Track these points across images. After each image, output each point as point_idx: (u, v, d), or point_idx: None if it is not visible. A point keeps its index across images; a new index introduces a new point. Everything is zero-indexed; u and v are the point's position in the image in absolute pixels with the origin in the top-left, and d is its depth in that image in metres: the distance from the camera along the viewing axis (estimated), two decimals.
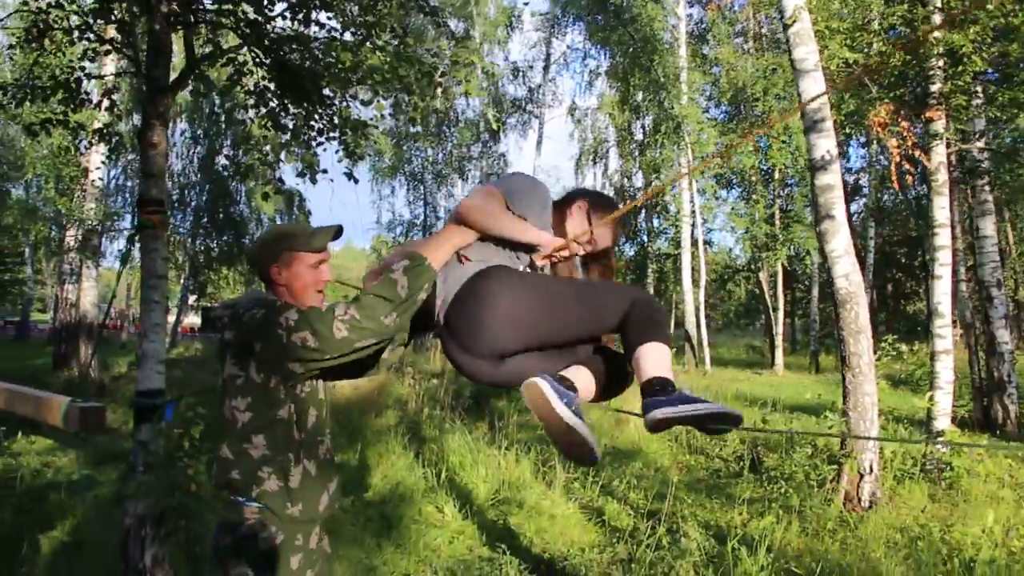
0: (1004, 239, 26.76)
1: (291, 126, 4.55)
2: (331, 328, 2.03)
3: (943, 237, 7.48)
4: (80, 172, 13.76)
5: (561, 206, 2.42)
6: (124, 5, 4.32)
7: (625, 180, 30.86)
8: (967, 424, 10.48)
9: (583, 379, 2.17)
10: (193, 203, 24.07)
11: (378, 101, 4.59)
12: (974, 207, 10.50)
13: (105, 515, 5.36)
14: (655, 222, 29.32)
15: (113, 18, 4.18)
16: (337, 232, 2.36)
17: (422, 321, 2.25)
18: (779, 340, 24.14)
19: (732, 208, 25.89)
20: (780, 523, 5.70)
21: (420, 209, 28.30)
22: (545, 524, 5.87)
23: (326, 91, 4.48)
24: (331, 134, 4.64)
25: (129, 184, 23.41)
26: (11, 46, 4.67)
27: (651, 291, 29.66)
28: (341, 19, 4.62)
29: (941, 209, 7.48)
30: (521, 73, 28.79)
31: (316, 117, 4.57)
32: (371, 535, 5.43)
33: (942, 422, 7.44)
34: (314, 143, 4.61)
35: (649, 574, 4.74)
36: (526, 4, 26.71)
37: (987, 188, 10.34)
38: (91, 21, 4.36)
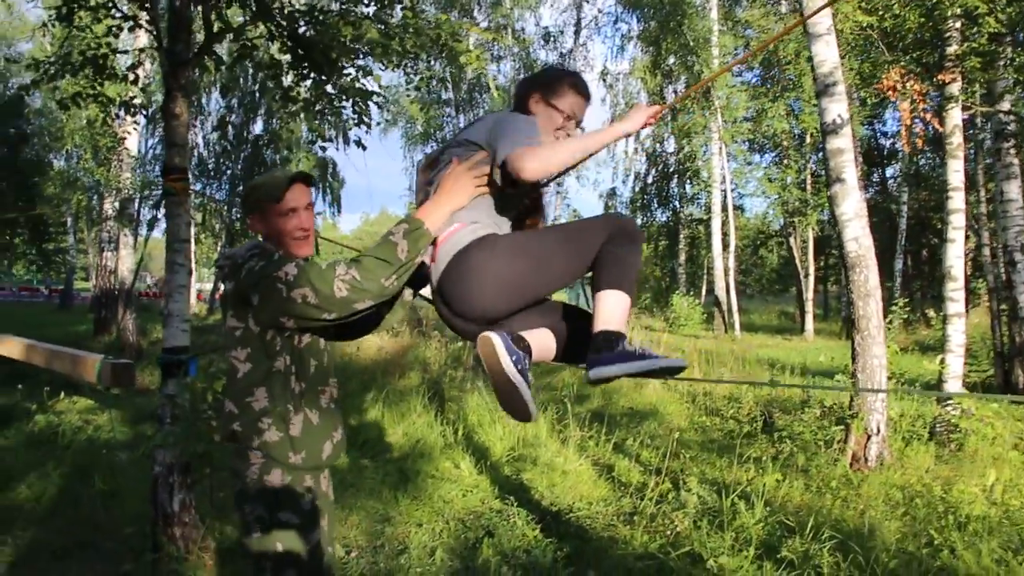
0: None
1: (302, 97, 4.76)
2: (332, 287, 2.05)
3: (957, 200, 7.52)
4: (116, 142, 14.11)
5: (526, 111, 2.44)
6: None
7: (657, 145, 30.78)
8: (989, 388, 10.53)
9: (541, 340, 2.26)
10: (228, 171, 24.44)
11: (377, 72, 4.76)
12: (999, 170, 10.44)
13: (138, 467, 5.70)
14: (687, 187, 29.23)
15: None
16: (297, 177, 2.33)
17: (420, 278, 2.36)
18: (809, 306, 24.10)
19: (765, 173, 25.76)
20: (785, 481, 5.89)
21: None
22: (557, 479, 6.10)
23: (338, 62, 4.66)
24: (340, 103, 4.84)
25: (164, 135, 23.81)
26: (44, 23, 4.87)
27: (683, 257, 29.71)
28: None
29: (955, 172, 7.51)
30: (552, 38, 28.57)
31: (329, 87, 4.77)
32: (389, 488, 5.69)
33: (953, 385, 7.51)
34: (324, 113, 4.81)
35: (650, 526, 4.95)
36: None
37: (1012, 151, 10.26)
38: None
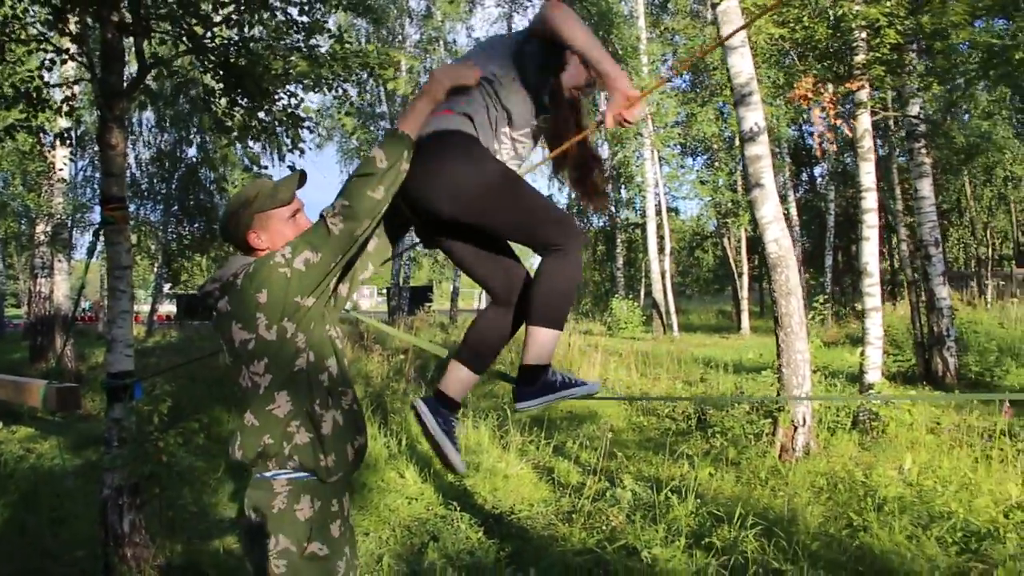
0: (964, 198, 27.51)
1: (235, 127, 4.90)
2: (326, 232, 2.07)
3: (870, 200, 7.95)
4: (47, 167, 13.95)
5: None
6: (77, 17, 4.63)
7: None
8: (912, 378, 11.04)
9: (465, 383, 2.49)
10: (163, 192, 24.17)
11: (307, 103, 4.94)
12: (911, 169, 10.99)
13: (85, 492, 5.75)
14: (622, 192, 29.73)
15: (67, 30, 4.49)
16: (300, 178, 2.31)
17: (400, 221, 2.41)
18: (745, 304, 24.75)
19: (697, 176, 26.40)
20: (717, 474, 6.19)
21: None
22: (499, 484, 6.30)
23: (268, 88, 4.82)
24: (273, 132, 5.00)
25: (96, 176, 23.49)
26: None
27: (621, 261, 30.20)
28: (283, 18, 4.97)
29: (867, 174, 7.94)
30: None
31: (261, 114, 4.91)
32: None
33: (873, 375, 7.93)
34: (258, 139, 4.96)
35: (588, 522, 5.19)
36: None
37: (923, 151, 10.82)
38: (47, 33, 4.67)
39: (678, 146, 26.93)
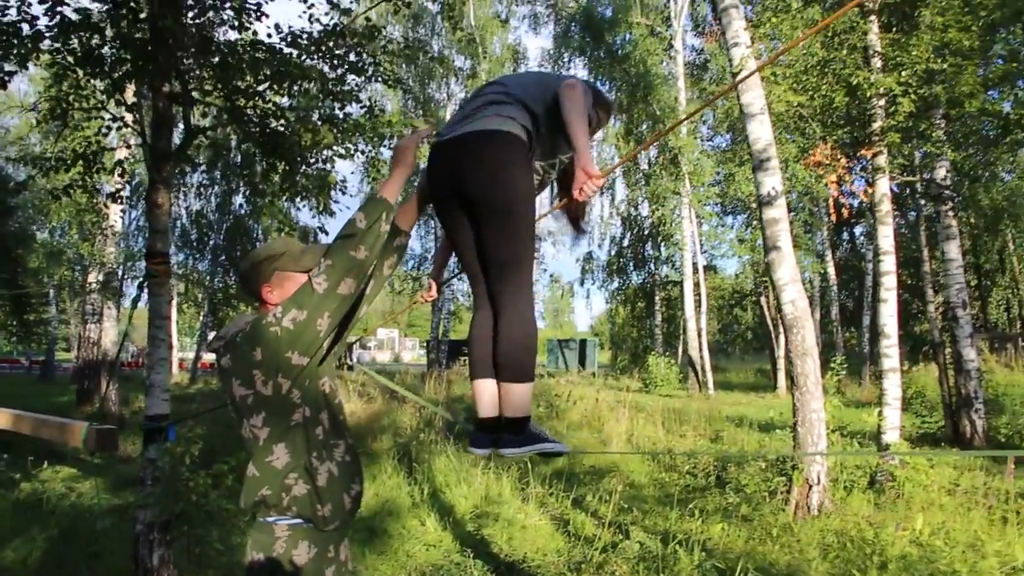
0: (1007, 256, 27.24)
1: (270, 191, 5.30)
2: (311, 291, 2.19)
3: (888, 263, 8.10)
4: (101, 218, 14.62)
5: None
6: (133, 87, 5.08)
7: (632, 209, 31.53)
8: (940, 439, 11.01)
9: (492, 396, 2.72)
10: (211, 242, 24.95)
11: (331, 174, 5.30)
12: (939, 232, 11.10)
13: (119, 530, 6.06)
14: (661, 250, 29.91)
15: (123, 99, 4.93)
16: (331, 245, 2.36)
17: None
18: (781, 363, 24.63)
19: (736, 235, 26.51)
20: (729, 530, 6.31)
21: (431, 243, 29.10)
22: (516, 533, 6.48)
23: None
24: (305, 197, 5.40)
25: (147, 226, 24.34)
26: (39, 122, 5.36)
27: (660, 318, 30.27)
28: (318, 86, 5.37)
29: (885, 238, 8.11)
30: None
31: (297, 177, 5.29)
32: (358, 545, 6.06)
33: (891, 435, 7.99)
34: (292, 203, 5.36)
35: (596, 573, 5.35)
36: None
37: (950, 214, 10.94)
38: (104, 101, 5.12)
39: (717, 205, 27.12)
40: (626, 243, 31.98)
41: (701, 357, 23.63)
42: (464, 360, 27.79)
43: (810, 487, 6.98)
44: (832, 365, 8.38)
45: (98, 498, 7.52)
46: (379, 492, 7.66)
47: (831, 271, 24.97)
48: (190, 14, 4.75)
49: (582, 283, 33.37)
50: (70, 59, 4.64)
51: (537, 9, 28.31)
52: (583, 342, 36.56)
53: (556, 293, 51.53)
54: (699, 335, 23.93)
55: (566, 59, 28.58)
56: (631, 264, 32.14)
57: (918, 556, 5.45)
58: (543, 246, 28.04)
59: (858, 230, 30.10)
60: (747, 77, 6.92)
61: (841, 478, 7.59)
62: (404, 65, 25.68)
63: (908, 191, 12.59)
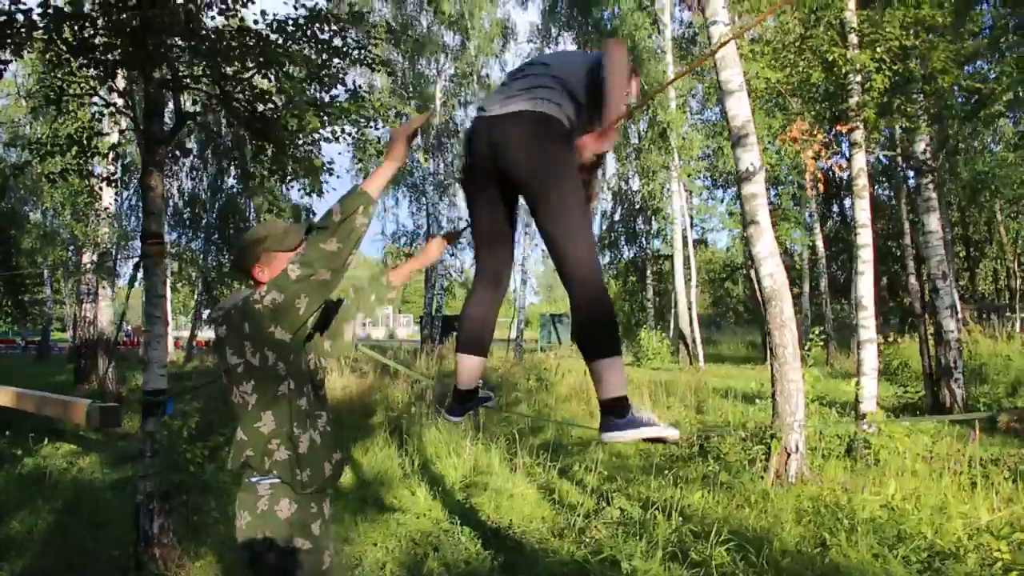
0: (995, 227, 27.49)
1: (259, 173, 5.47)
2: (287, 277, 2.34)
3: (865, 236, 8.30)
4: (95, 198, 14.73)
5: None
6: (124, 72, 5.23)
7: (622, 183, 31.65)
8: (921, 408, 11.26)
9: (472, 371, 2.95)
10: (204, 221, 25.06)
11: (318, 157, 5.45)
12: (919, 204, 11.30)
13: (120, 501, 6.28)
14: (652, 224, 30.07)
15: (115, 86, 5.08)
16: (308, 229, 2.50)
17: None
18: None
19: (726, 208, 26.72)
20: (709, 497, 6.55)
21: (423, 219, 29.23)
22: (504, 502, 6.70)
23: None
24: (293, 179, 5.57)
25: (140, 206, 24.43)
26: (33, 109, 5.50)
27: (651, 292, 30.50)
28: (304, 71, 5.53)
29: (862, 211, 8.30)
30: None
31: (285, 159, 5.45)
32: (350, 514, 6.28)
33: (868, 404, 8.23)
34: (282, 184, 5.51)
35: (578, 538, 5.59)
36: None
37: (930, 187, 11.13)
38: (96, 88, 5.27)
39: (707, 178, 27.27)
40: (617, 217, 32.15)
41: (692, 330, 23.88)
42: (455, 335, 28.18)
43: (788, 455, 7.22)
44: (811, 337, 8.60)
45: (99, 472, 7.74)
46: (371, 464, 7.88)
47: (820, 244, 25.15)
48: (179, 1, 4.88)
49: None
50: (63, 47, 4.78)
51: None
52: None
53: (549, 267, 51.80)
54: (689, 309, 24.16)
55: (554, 34, 28.57)
56: (622, 238, 32.32)
57: (887, 519, 5.71)
58: (534, 221, 28.07)
59: (848, 203, 30.40)
60: (720, 47, 7.07)
61: (819, 447, 7.82)
62: (395, 41, 25.74)
63: (891, 164, 12.76)
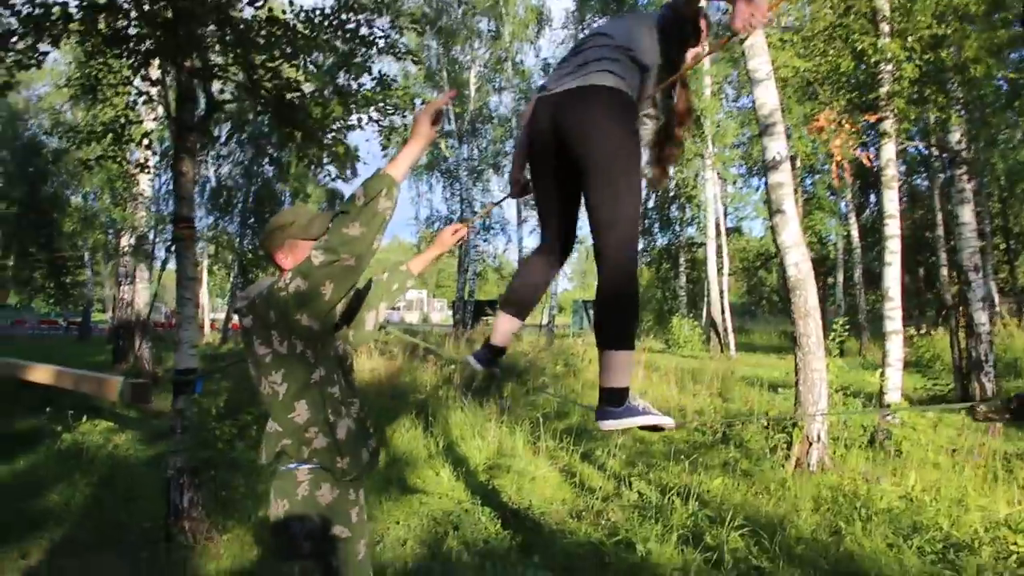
0: None
1: (287, 160, 5.60)
2: (310, 264, 2.28)
3: (892, 227, 8.26)
4: (132, 183, 15.05)
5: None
6: (157, 62, 5.38)
7: None
8: (949, 402, 11.17)
9: (507, 330, 3.02)
10: (239, 204, 25.38)
11: (342, 143, 5.56)
12: (953, 196, 11.18)
13: (153, 476, 6.50)
14: (686, 211, 29.93)
15: (148, 75, 5.24)
16: (334, 217, 2.41)
17: None
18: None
19: (761, 196, 26.51)
20: (730, 484, 6.61)
21: (456, 205, 29.34)
22: (526, 484, 6.82)
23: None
24: (319, 163, 5.71)
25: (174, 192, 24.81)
26: (72, 97, 5.69)
27: (684, 279, 30.41)
28: (331, 59, 5.65)
29: (890, 202, 8.27)
30: (551, 69, 29.22)
31: (312, 146, 5.57)
32: (374, 493, 6.43)
33: (893, 395, 8.21)
34: (309, 170, 5.64)
35: (596, 521, 5.69)
36: None
37: (964, 178, 11.00)
38: (131, 77, 5.43)
39: (742, 166, 27.09)
40: (651, 204, 32.01)
41: (724, 318, 23.79)
42: (488, 319, 28.31)
43: (810, 444, 7.24)
44: (835, 327, 8.59)
45: (134, 448, 7.98)
46: (397, 445, 8.04)
47: (855, 233, 24.89)
48: None
49: None
50: (98, 38, 4.94)
51: None
52: None
53: (583, 254, 51.71)
54: (721, 297, 24.06)
55: (588, 20, 28.43)
56: (656, 225, 32.20)
57: (904, 510, 5.74)
58: None
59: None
60: (734, 36, 7.08)
61: (842, 436, 7.83)
62: (428, 28, 25.83)
63: (928, 155, 12.64)
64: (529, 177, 2.97)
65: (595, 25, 3.59)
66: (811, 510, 5.94)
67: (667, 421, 2.57)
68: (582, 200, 2.69)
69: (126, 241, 15.79)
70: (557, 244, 2.95)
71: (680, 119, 3.04)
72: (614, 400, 2.52)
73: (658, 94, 2.92)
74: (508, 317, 3.01)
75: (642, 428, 2.59)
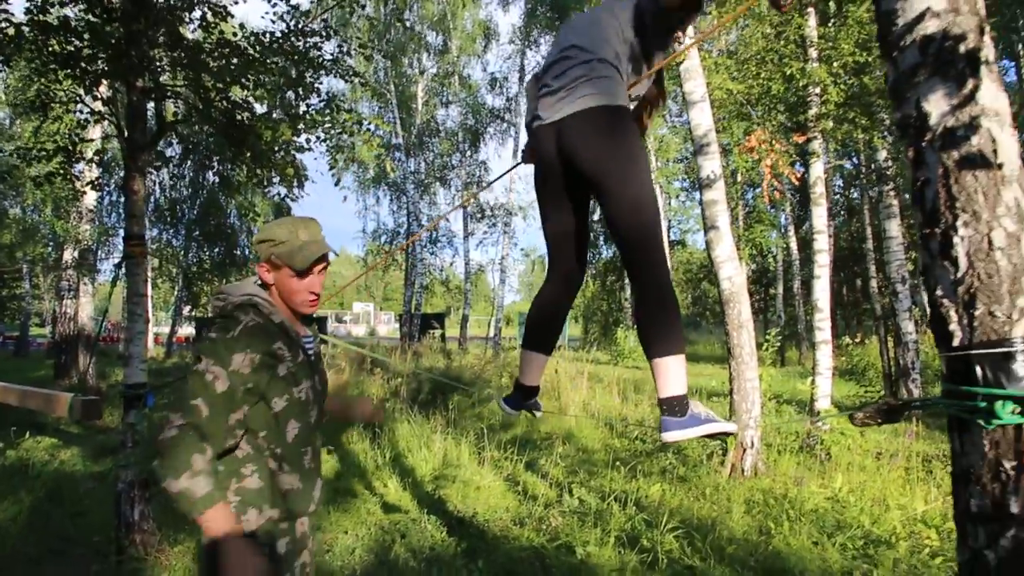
0: None
1: (237, 179, 5.75)
2: (191, 404, 2.16)
3: (821, 242, 8.67)
4: (77, 196, 14.90)
5: None
6: (108, 81, 5.49)
7: None
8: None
9: (536, 367, 3.03)
10: (185, 217, 25.16)
11: (288, 165, 5.71)
12: (881, 211, 11.69)
13: (101, 492, 6.55)
14: None
15: (99, 94, 5.34)
16: (320, 260, 2.37)
17: None
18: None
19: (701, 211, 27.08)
20: (668, 489, 6.88)
21: (403, 218, 29.43)
22: (471, 493, 7.02)
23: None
24: (269, 184, 5.87)
25: (123, 200, 24.49)
26: (13, 107, 5.75)
27: (629, 291, 30.86)
28: (279, 81, 5.81)
29: (819, 218, 8.68)
30: (498, 84, 29.65)
31: (260, 166, 5.72)
32: (323, 504, 6.58)
33: (822, 402, 8.59)
34: (259, 189, 5.81)
35: (538, 526, 5.90)
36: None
37: (891, 194, 11.53)
38: (82, 95, 5.53)
39: (685, 180, 27.64)
40: (595, 218, 32.46)
41: None
42: (432, 333, 28.42)
43: (744, 450, 7.56)
44: (768, 338, 8.95)
45: (80, 464, 7.98)
46: (344, 457, 8.17)
47: (793, 246, 25.60)
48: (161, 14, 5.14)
49: None
50: (50, 58, 5.04)
51: None
52: None
53: (530, 266, 52.07)
54: None
55: (535, 36, 28.83)
56: (601, 238, 32.66)
57: (830, 510, 6.07)
58: (514, 220, 28.44)
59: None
60: (675, 57, 7.40)
61: (775, 442, 8.18)
62: (376, 40, 25.96)
63: (858, 172, 13.18)
64: (540, 206, 2.94)
65: (565, 30, 3.46)
66: (743, 512, 6.23)
67: (731, 427, 2.54)
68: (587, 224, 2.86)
69: (69, 254, 15.62)
70: (570, 272, 2.93)
71: (648, 106, 3.11)
72: (675, 409, 2.49)
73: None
74: (532, 354, 3.00)
75: (707, 437, 2.54)
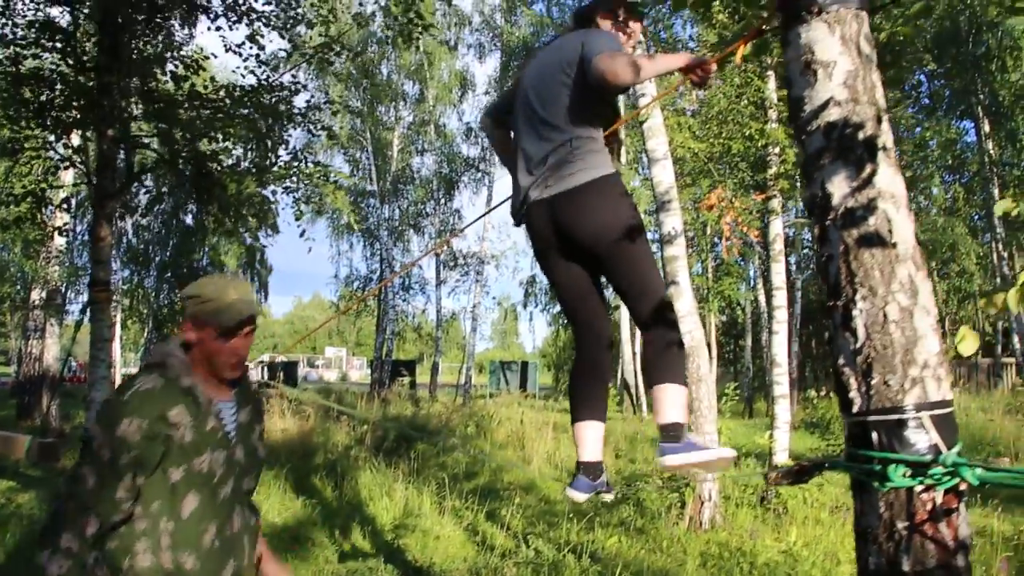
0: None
1: (206, 229, 5.84)
2: (78, 472, 2.06)
3: (780, 298, 8.87)
4: (45, 235, 14.88)
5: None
6: (79, 131, 5.60)
7: None
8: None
9: (594, 440, 2.88)
10: (157, 259, 25.09)
11: (258, 217, 5.84)
12: None
13: None
14: None
15: (69, 142, 5.45)
16: (247, 321, 2.22)
17: None
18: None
19: None
20: (625, 541, 6.95)
21: (376, 264, 29.52)
22: (431, 543, 7.04)
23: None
24: (232, 235, 5.99)
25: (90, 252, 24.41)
26: None
27: None
28: (247, 132, 5.95)
29: (778, 275, 8.88)
30: (474, 133, 30.00)
31: (226, 217, 5.84)
32: (281, 552, 6.56)
33: (780, 456, 8.72)
34: (227, 238, 5.89)
35: None
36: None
37: None
38: (52, 143, 5.64)
39: (656, 232, 27.95)
40: None
41: (636, 381, 24.40)
42: (403, 380, 28.35)
43: (702, 503, 7.65)
44: (726, 392, 9.09)
45: (38, 509, 7.89)
46: (306, 504, 8.16)
47: (762, 299, 25.94)
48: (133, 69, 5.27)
49: (525, 306, 34.03)
50: (22, 107, 5.14)
51: (482, 39, 29.01)
52: (524, 364, 37.04)
53: (501, 314, 52.16)
54: (634, 359, 24.70)
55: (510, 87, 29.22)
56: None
57: (783, 563, 6.16)
58: (486, 269, 28.62)
59: (792, 259, 31.34)
60: (641, 111, 7.64)
61: (733, 495, 8.28)
62: (352, 88, 26.27)
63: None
64: (546, 275, 2.99)
65: (527, 83, 3.33)
66: (698, 565, 6.31)
67: (729, 453, 2.63)
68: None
69: (37, 295, 15.53)
70: (599, 329, 2.91)
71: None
72: (672, 436, 2.57)
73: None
74: (584, 424, 2.86)
75: (704, 464, 2.61)
